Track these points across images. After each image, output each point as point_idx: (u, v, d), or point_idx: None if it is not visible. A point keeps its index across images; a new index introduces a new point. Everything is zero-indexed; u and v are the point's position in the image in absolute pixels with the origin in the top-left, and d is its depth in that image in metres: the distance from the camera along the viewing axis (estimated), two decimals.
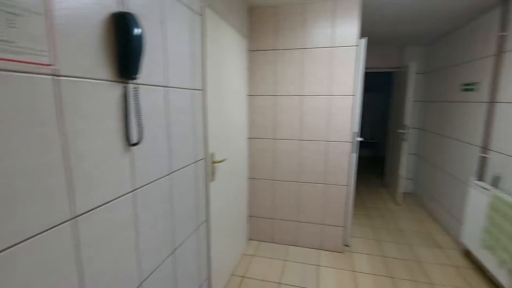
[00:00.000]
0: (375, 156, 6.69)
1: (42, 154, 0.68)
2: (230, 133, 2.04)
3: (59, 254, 0.74)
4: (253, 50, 2.44)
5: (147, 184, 1.10)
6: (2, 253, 0.60)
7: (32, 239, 0.67)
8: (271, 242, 2.75)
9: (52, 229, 0.72)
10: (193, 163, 1.49)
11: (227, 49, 1.90)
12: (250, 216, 2.74)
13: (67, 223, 0.76)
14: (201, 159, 1.59)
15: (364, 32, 3.16)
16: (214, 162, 1.72)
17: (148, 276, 1.14)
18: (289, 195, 2.61)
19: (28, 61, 0.64)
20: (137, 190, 1.05)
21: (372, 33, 3.26)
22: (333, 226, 2.54)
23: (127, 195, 1.00)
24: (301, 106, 2.42)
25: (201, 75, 1.54)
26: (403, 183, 3.85)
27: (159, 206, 1.19)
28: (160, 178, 1.19)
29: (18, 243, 0.64)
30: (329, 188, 2.49)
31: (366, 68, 3.84)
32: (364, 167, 5.73)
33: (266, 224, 2.73)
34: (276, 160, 2.58)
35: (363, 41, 2.26)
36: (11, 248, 0.62)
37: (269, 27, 2.38)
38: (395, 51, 3.95)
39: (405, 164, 3.80)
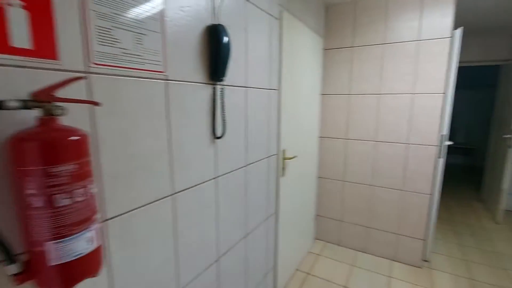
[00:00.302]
0: (471, 164, 5.71)
1: (155, 141, 0.88)
2: (301, 131, 2.09)
3: (162, 221, 0.94)
4: (329, 49, 2.42)
5: (226, 173, 1.26)
6: (126, 214, 0.81)
7: (145, 206, 0.87)
8: (338, 245, 2.69)
9: (159, 201, 0.91)
10: (266, 158, 1.60)
11: (303, 49, 1.95)
12: (317, 215, 2.74)
13: (168, 197, 0.95)
14: (273, 155, 1.69)
15: (459, 21, 2.75)
16: (285, 159, 1.80)
17: (225, 253, 1.30)
18: (360, 199, 2.50)
19: (150, 69, 0.84)
20: (219, 177, 1.21)
21: (471, 21, 2.82)
22: (410, 238, 2.33)
23: (211, 180, 1.16)
24: (378, 105, 2.29)
25: (277, 76, 1.64)
26: (506, 199, 3.21)
27: (235, 194, 1.34)
28: (238, 169, 1.34)
29: (137, 208, 0.84)
30: (407, 195, 2.28)
31: (461, 62, 3.34)
32: (456, 176, 4.97)
33: (333, 225, 2.68)
34: (347, 160, 2.51)
35: (458, 32, 1.99)
36: (132, 211, 0.83)
37: (347, 24, 2.32)
38: (503, 41, 3.31)
39: (510, 177, 3.16)
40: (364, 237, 2.55)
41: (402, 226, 2.35)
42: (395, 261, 2.42)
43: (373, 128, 2.35)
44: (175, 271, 1.01)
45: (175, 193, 0.98)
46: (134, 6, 0.77)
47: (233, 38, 1.19)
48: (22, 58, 0.56)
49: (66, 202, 0.52)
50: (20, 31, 0.55)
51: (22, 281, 0.54)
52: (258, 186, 1.56)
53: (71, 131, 0.54)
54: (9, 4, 0.53)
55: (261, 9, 1.40)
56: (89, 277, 0.59)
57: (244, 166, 1.39)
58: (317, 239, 2.79)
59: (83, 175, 0.55)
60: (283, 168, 1.81)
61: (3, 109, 0.48)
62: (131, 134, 0.80)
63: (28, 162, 0.49)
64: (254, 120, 1.44)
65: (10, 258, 0.52)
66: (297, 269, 2.30)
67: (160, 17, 0.85)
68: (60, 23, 0.61)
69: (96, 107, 0.69)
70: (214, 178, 1.18)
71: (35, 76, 0.58)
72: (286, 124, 1.80)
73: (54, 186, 0.51)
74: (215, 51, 1.05)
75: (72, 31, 0.63)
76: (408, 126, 2.20)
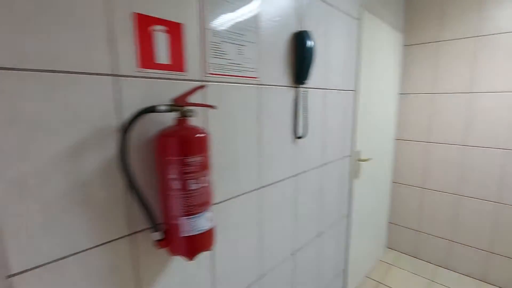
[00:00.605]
0: None
1: (248, 139, 0.98)
2: (376, 133, 2.01)
3: (250, 212, 1.04)
4: (409, 45, 2.26)
5: (304, 172, 1.31)
6: (225, 202, 0.93)
7: (239, 197, 0.98)
8: (414, 257, 2.48)
9: (246, 194, 1.02)
10: (341, 158, 1.60)
11: (381, 47, 1.88)
12: (390, 222, 2.58)
13: (255, 191, 1.05)
14: (348, 156, 1.68)
15: None
16: (359, 160, 1.76)
17: (299, 248, 1.36)
18: (443, 208, 2.27)
19: (246, 76, 0.95)
20: (298, 175, 1.27)
21: None
22: (507, 258, 2.01)
23: (291, 178, 1.23)
24: (469, 105, 2.04)
25: (355, 77, 1.62)
26: None
27: (311, 192, 1.39)
28: (314, 168, 1.38)
29: (232, 197, 0.96)
30: (506, 209, 1.98)
31: None
32: None
33: (409, 235, 2.49)
34: (428, 165, 2.30)
35: None
36: (229, 200, 0.95)
37: (431, 17, 2.13)
38: None
39: None
40: (446, 251, 2.30)
41: (497, 244, 2.05)
42: (485, 282, 2.13)
43: (461, 130, 2.10)
44: (258, 258, 1.11)
45: (262, 187, 1.08)
46: (238, 22, 0.88)
47: (316, 43, 1.23)
48: (162, 71, 0.71)
49: (195, 186, 0.65)
50: (162, 50, 0.70)
51: (161, 247, 0.69)
52: (332, 187, 1.57)
53: (198, 129, 0.67)
54: (157, 30, 0.68)
55: (341, 11, 1.41)
56: (205, 251, 0.71)
57: (320, 166, 1.42)
58: (389, 248, 2.63)
59: (206, 165, 0.67)
60: (357, 170, 1.78)
61: (155, 112, 0.63)
62: (231, 133, 0.91)
63: (171, 153, 0.63)
64: (331, 121, 1.46)
65: (155, 227, 0.67)
66: (366, 276, 2.21)
67: (256, 29, 0.95)
68: (187, 41, 0.75)
69: (209, 110, 0.82)
70: (293, 176, 1.25)
71: (170, 86, 0.73)
72: (362, 125, 1.76)
73: (188, 173, 0.63)
74: (300, 56, 1.11)
75: (194, 47, 0.77)
76: (509, 129, 1.90)
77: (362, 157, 1.82)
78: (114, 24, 0.61)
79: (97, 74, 0.60)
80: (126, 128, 0.60)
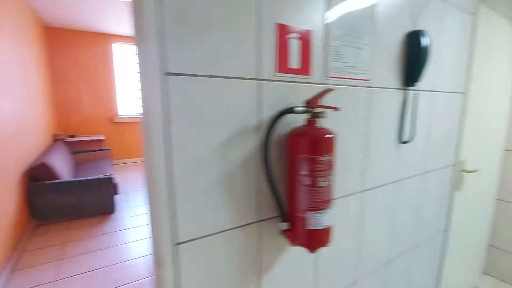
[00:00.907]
0: None
1: (356, 142, 0.99)
2: (484, 142, 1.77)
3: (352, 214, 1.04)
4: None
5: (405, 179, 1.24)
6: (343, 198, 0.95)
7: (343, 198, 0.99)
8: None
9: (350, 195, 1.02)
10: (443, 167, 1.46)
11: (498, 46, 1.64)
12: (490, 245, 2.24)
13: (358, 194, 1.05)
14: (451, 165, 1.52)
15: None
16: (463, 171, 1.58)
17: (393, 259, 1.30)
18: None
19: (360, 78, 0.95)
20: (398, 182, 1.21)
21: None
22: None
23: (391, 184, 1.18)
24: None
25: (465, 78, 1.46)
26: None
27: (409, 201, 1.31)
28: (414, 176, 1.29)
29: (338, 198, 0.97)
30: None
31: None
32: None
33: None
34: None
35: None
36: (343, 197, 0.97)
37: None
38: None
39: None
40: None
41: None
42: None
43: None
44: (355, 262, 1.10)
45: (364, 190, 1.06)
46: (356, 25, 0.89)
47: (430, 42, 1.16)
48: (293, 75, 0.77)
49: (323, 184, 0.69)
50: (294, 56, 0.76)
51: (287, 237, 0.75)
52: (431, 197, 1.44)
53: (328, 130, 0.71)
54: (292, 38, 0.75)
55: (455, 6, 1.29)
56: (324, 246, 0.75)
57: (421, 174, 1.33)
58: (487, 274, 2.28)
59: (331, 165, 0.71)
60: (460, 182, 1.59)
61: (293, 113, 0.69)
62: (342, 134, 0.93)
63: (305, 151, 0.68)
64: (436, 126, 1.35)
65: (284, 218, 0.73)
66: None
67: (372, 31, 0.95)
68: (314, 46, 0.80)
69: (327, 111, 0.86)
70: (394, 182, 1.19)
71: (297, 88, 0.78)
72: (468, 132, 1.57)
73: (319, 170, 0.68)
74: (413, 56, 1.06)
75: (318, 51, 0.81)
76: None
77: (467, 168, 1.62)
78: (262, 35, 0.69)
79: (246, 78, 0.68)
80: (271, 126, 0.67)
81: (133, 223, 3.06)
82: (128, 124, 5.67)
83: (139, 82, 0.60)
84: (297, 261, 0.90)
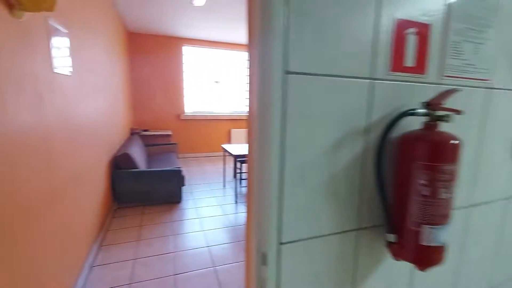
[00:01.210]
0: None
1: (467, 149, 0.87)
2: None
3: (455, 231, 0.92)
4: None
5: None
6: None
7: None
8: None
9: (456, 210, 0.90)
10: None
11: None
12: None
13: (463, 209, 0.92)
14: None
15: None
16: None
17: (498, 284, 1.12)
18: None
19: (478, 78, 0.83)
20: (510, 199, 1.04)
21: None
22: None
23: (501, 201, 1.02)
24: None
25: None
26: None
27: None
28: None
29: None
30: None
31: None
32: None
33: None
34: None
35: None
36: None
37: None
38: None
39: None
40: None
41: None
42: None
43: None
44: (453, 285, 0.98)
45: (470, 205, 0.93)
46: (479, 18, 0.78)
47: None
48: (406, 74, 0.70)
49: (445, 196, 0.62)
50: (409, 53, 0.70)
51: (391, 249, 0.69)
52: None
53: (453, 136, 0.63)
54: (409, 33, 0.68)
55: None
56: (435, 265, 0.67)
57: None
58: None
59: (455, 175, 0.63)
60: None
61: (413, 115, 0.63)
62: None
63: (425, 158, 0.61)
64: None
65: (391, 228, 0.68)
66: None
67: (496, 24, 0.82)
68: (431, 42, 0.72)
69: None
70: (504, 199, 1.02)
71: (409, 89, 0.72)
72: None
73: (441, 180, 0.61)
74: None
75: (436, 47, 0.73)
76: None
77: None
78: (379, 31, 0.64)
79: (359, 78, 0.65)
80: (388, 128, 0.62)
81: (198, 214, 3.26)
82: (192, 121, 6.06)
83: (256, 81, 0.61)
84: (391, 276, 0.83)
